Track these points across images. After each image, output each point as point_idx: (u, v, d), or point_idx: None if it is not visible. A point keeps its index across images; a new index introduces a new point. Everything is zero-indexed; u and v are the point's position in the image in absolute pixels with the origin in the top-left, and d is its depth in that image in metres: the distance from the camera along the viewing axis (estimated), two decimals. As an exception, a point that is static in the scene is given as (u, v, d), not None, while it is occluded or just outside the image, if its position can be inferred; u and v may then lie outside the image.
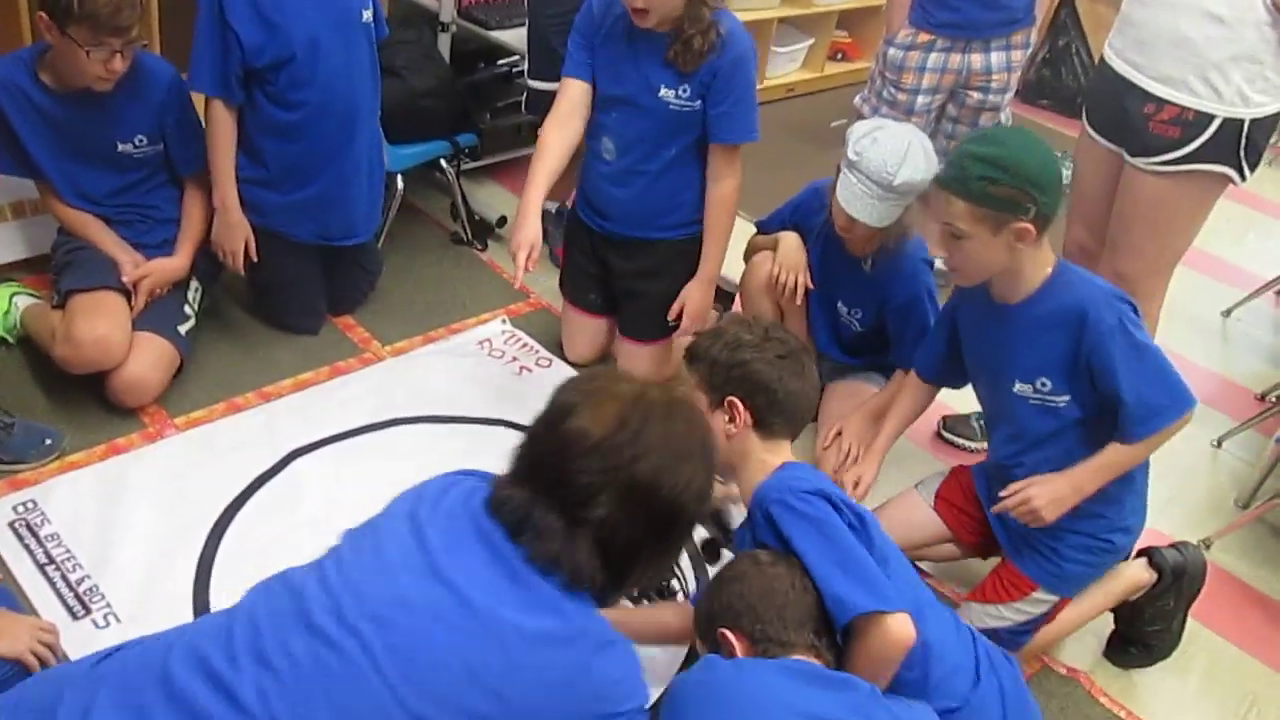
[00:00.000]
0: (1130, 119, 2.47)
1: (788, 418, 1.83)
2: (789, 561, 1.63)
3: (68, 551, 2.11)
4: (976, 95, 3.06)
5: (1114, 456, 1.99)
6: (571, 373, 2.92)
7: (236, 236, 2.67)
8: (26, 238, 2.81)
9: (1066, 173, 4.60)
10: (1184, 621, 2.30)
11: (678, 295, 2.73)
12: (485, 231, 3.49)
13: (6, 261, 2.80)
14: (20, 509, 2.19)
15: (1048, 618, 2.18)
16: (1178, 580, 2.22)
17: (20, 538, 2.13)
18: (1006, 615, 2.19)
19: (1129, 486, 2.08)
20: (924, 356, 2.41)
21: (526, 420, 2.60)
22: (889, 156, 2.34)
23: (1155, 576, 2.22)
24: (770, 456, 1.81)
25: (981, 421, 2.89)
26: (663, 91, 2.53)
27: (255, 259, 2.72)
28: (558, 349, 3.02)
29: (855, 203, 2.39)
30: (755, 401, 1.80)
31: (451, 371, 2.84)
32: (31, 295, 2.66)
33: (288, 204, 2.72)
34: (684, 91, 2.52)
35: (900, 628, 1.58)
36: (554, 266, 3.41)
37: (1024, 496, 2.03)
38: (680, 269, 2.74)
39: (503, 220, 3.52)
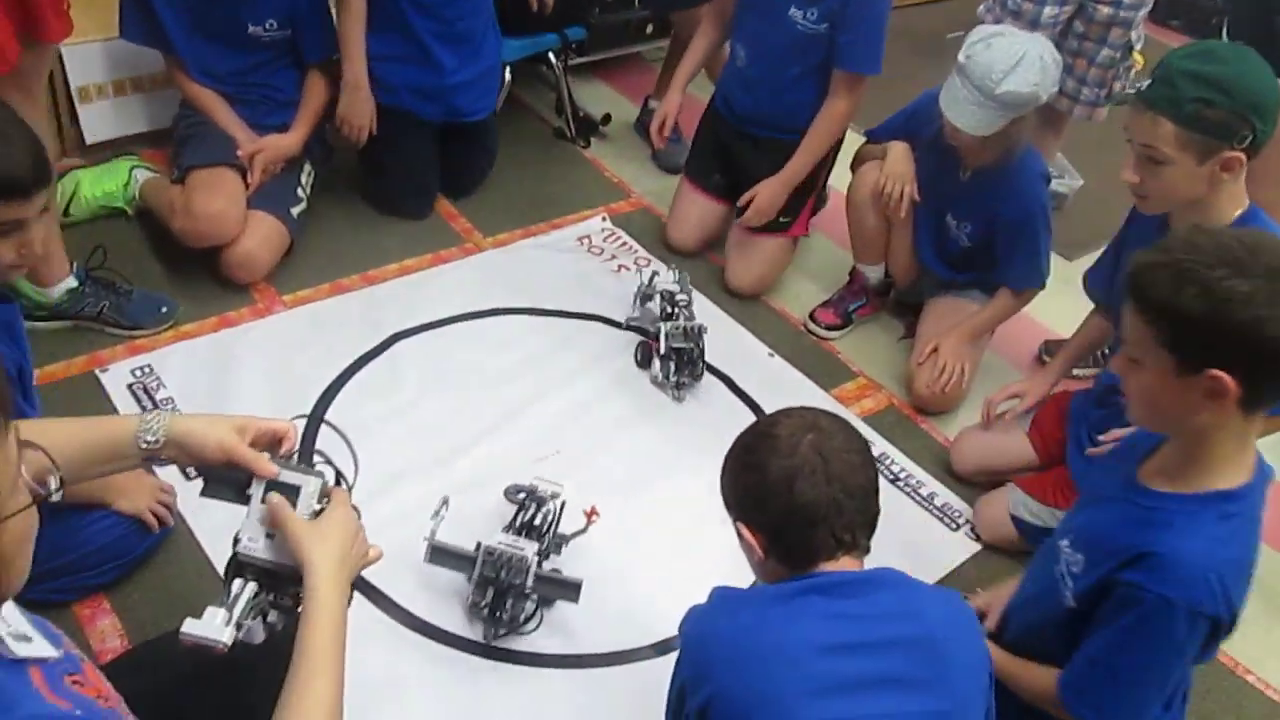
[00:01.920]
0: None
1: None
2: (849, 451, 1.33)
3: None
4: (1106, 10, 2.91)
5: None
6: (667, 273, 2.92)
7: (365, 111, 2.73)
8: (148, 112, 2.89)
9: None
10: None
11: (791, 197, 2.82)
12: (589, 129, 3.48)
13: (128, 134, 2.88)
14: (138, 373, 2.29)
15: None
16: None
17: (138, 399, 2.23)
18: (1043, 515, 2.18)
19: None
20: (1095, 278, 2.29)
21: (620, 316, 2.67)
22: (997, 63, 2.25)
23: None
24: (1243, 443, 1.39)
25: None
26: (791, 11, 2.62)
27: (375, 134, 2.79)
28: (657, 247, 3.03)
29: (954, 107, 2.32)
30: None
31: (550, 266, 2.87)
32: (149, 169, 2.74)
33: (416, 81, 2.77)
34: (811, 14, 2.60)
35: None
36: (656, 168, 3.41)
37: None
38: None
39: (607, 118, 3.50)
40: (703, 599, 1.39)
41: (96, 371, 2.28)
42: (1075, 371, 2.84)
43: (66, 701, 0.89)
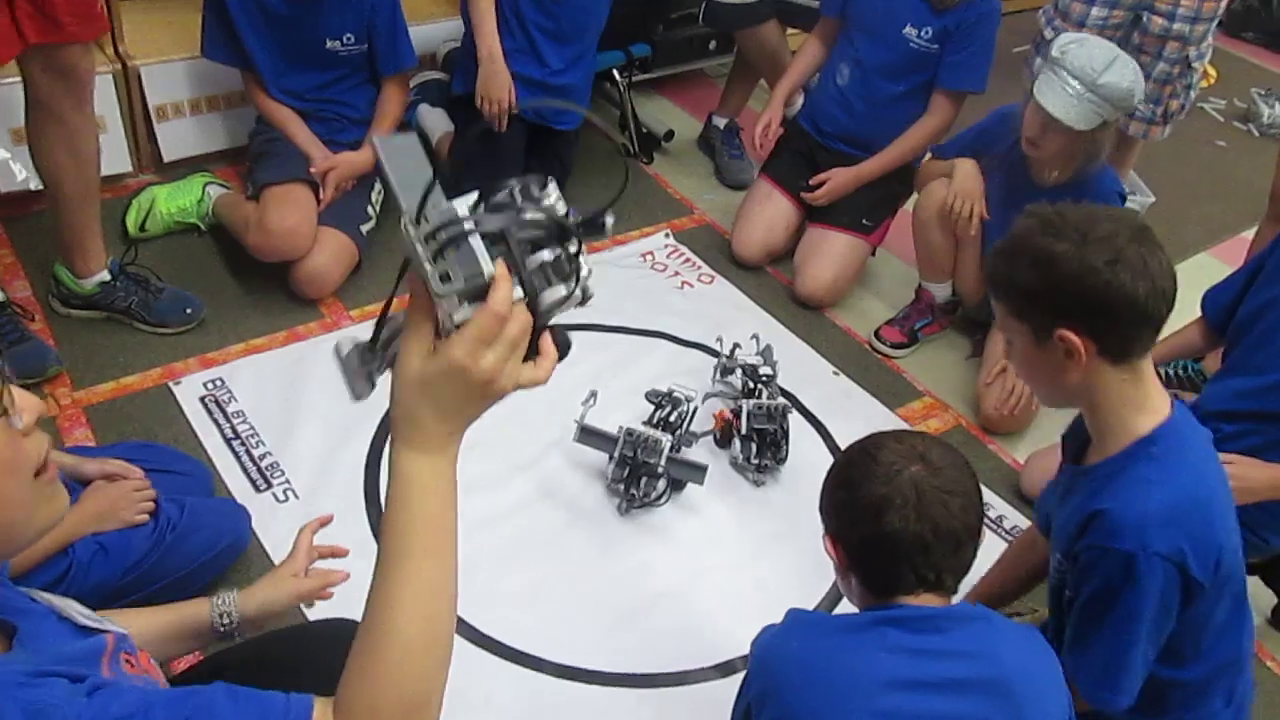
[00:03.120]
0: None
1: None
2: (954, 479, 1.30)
3: (252, 428, 2.24)
4: (1161, 22, 2.80)
5: None
6: (734, 291, 2.92)
7: (502, 84, 2.74)
8: (224, 130, 2.95)
9: (1269, 110, 4.35)
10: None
11: (879, 201, 2.90)
12: (652, 145, 3.49)
13: (204, 152, 2.94)
14: (210, 385, 2.33)
15: None
16: None
17: (210, 412, 2.27)
18: None
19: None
20: (1216, 297, 2.16)
21: (685, 334, 2.65)
22: (1096, 55, 2.25)
23: None
24: (1137, 391, 1.41)
25: (1160, 368, 2.76)
26: (907, 29, 2.71)
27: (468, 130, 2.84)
28: (721, 263, 3.02)
29: (1052, 97, 2.27)
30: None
31: (614, 282, 2.87)
32: (223, 185, 2.80)
33: (524, 70, 2.79)
34: (925, 33, 2.68)
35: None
36: (720, 184, 3.41)
37: (1230, 474, 1.91)
38: (888, 181, 2.90)
39: (670, 134, 3.51)
40: (766, 621, 1.38)
41: (170, 384, 2.32)
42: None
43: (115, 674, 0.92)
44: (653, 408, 2.32)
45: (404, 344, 0.85)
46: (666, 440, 2.17)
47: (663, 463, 2.15)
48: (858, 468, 1.31)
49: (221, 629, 1.30)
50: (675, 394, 2.31)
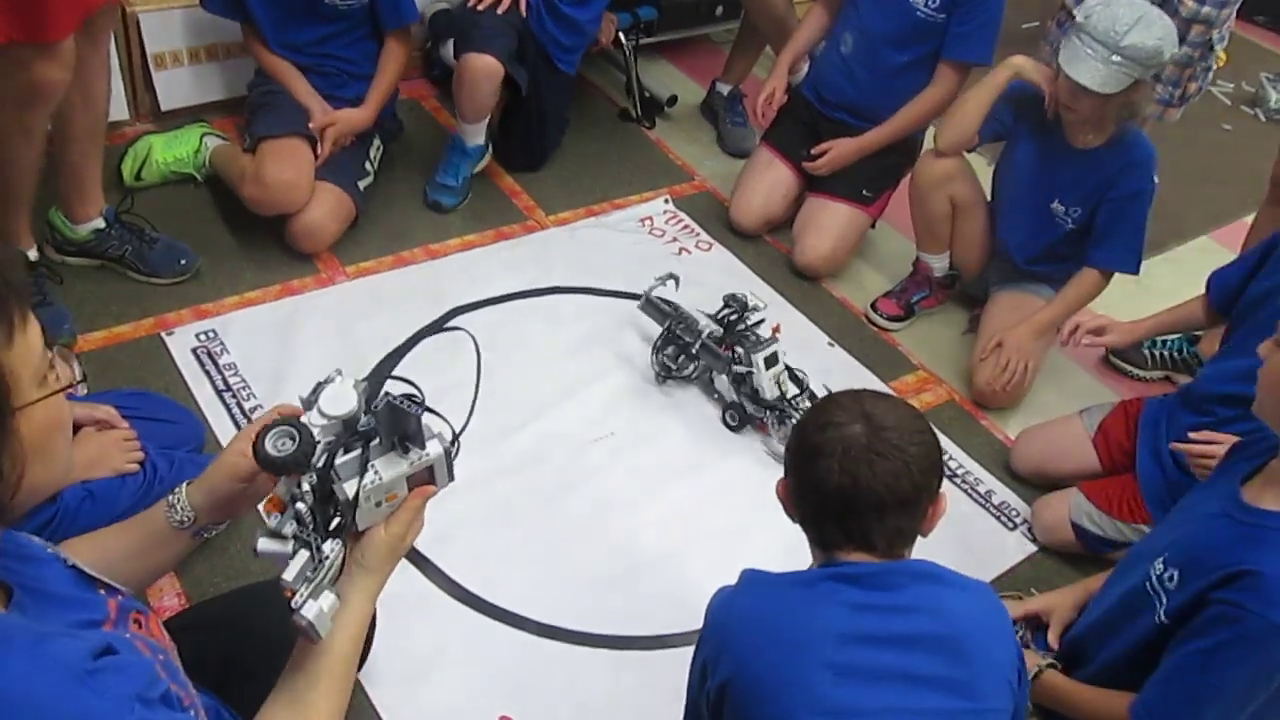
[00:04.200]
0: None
1: None
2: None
3: (243, 380, 2.24)
4: (1191, 4, 2.80)
5: None
6: (731, 259, 2.91)
7: None
8: (223, 80, 2.92)
9: (1276, 95, 4.31)
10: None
11: (880, 172, 2.89)
12: (655, 110, 3.46)
13: (203, 102, 2.92)
14: (203, 337, 2.33)
15: None
16: None
17: (201, 363, 2.27)
18: (1105, 526, 2.14)
19: None
20: (1223, 277, 2.19)
21: (684, 301, 2.65)
22: (1120, 18, 2.21)
23: None
24: None
25: (1155, 350, 2.76)
26: None
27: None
28: (719, 230, 3.01)
29: (1076, 64, 2.25)
30: None
31: (611, 246, 2.86)
32: (220, 136, 2.77)
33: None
34: (933, 2, 2.65)
35: None
36: (721, 151, 3.39)
37: (1216, 451, 1.87)
38: (889, 152, 2.87)
39: (673, 99, 3.49)
40: None
41: (162, 334, 2.32)
42: (1139, 373, 2.79)
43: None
44: (721, 306, 2.42)
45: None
46: (707, 327, 2.37)
47: (696, 345, 2.36)
48: (808, 417, 1.31)
49: (180, 524, 1.19)
50: (749, 303, 2.40)
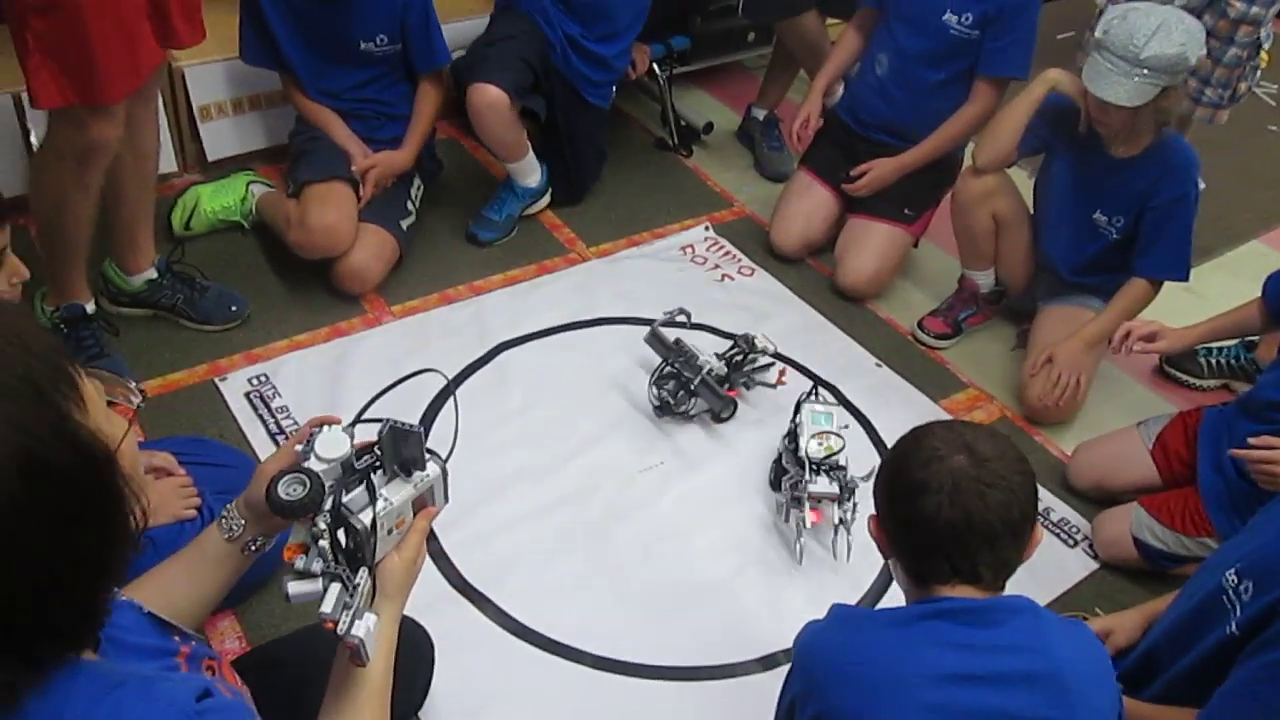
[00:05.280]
0: None
1: None
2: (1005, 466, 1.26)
3: (295, 423, 2.26)
4: (1240, 5, 2.75)
5: None
6: (774, 283, 2.90)
7: None
8: (266, 129, 2.98)
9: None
10: None
11: (921, 191, 2.88)
12: (691, 137, 3.48)
13: (247, 151, 2.97)
14: (255, 381, 2.36)
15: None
16: None
17: (254, 407, 2.29)
18: (1168, 540, 2.10)
19: None
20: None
21: (728, 326, 2.65)
22: (1138, 30, 2.18)
23: None
24: None
25: (1211, 358, 2.71)
26: (947, 15, 2.67)
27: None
28: (760, 255, 3.01)
29: (1099, 81, 2.23)
30: None
31: (653, 275, 2.87)
32: (265, 184, 2.83)
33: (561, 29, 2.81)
34: (966, 19, 2.64)
35: None
36: (759, 177, 3.40)
37: (1278, 456, 1.85)
38: (928, 171, 2.86)
39: (709, 127, 3.50)
40: (810, 615, 1.37)
41: (215, 380, 2.35)
42: (1196, 382, 2.74)
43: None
44: (730, 343, 2.44)
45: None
46: (709, 364, 2.35)
47: (696, 381, 2.31)
48: (905, 451, 1.30)
49: (230, 534, 1.22)
50: (756, 343, 2.40)
